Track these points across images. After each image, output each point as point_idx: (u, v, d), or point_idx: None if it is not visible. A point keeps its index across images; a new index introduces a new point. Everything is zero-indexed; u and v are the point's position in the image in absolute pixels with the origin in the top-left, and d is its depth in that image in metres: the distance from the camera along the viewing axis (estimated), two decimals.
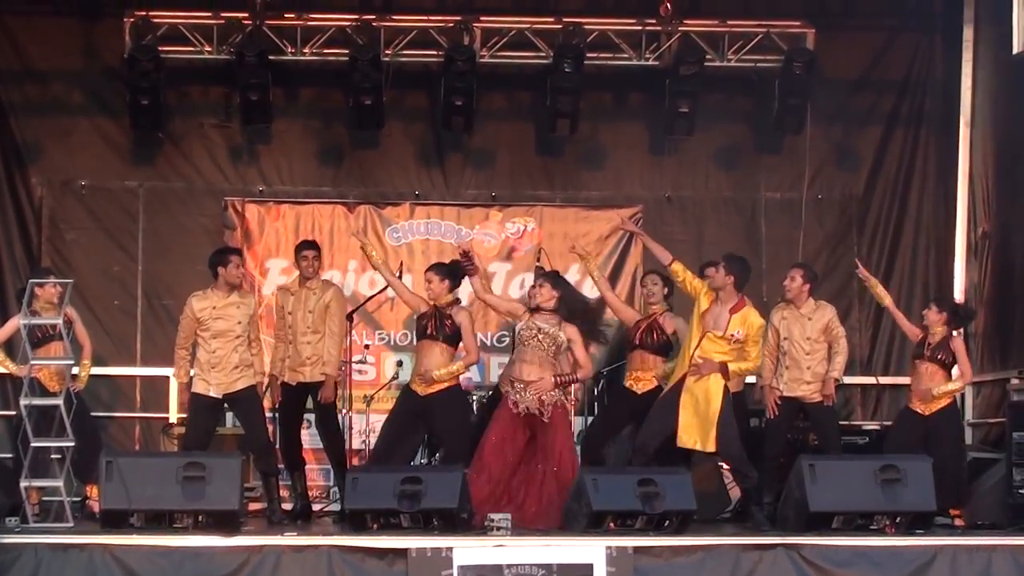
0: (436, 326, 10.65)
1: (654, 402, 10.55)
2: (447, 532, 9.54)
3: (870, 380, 13.55)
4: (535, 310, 10.48)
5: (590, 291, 11.54)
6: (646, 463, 10.25)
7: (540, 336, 10.39)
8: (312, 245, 11.43)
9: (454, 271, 10.79)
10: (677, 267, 10.47)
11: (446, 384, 10.64)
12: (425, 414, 10.70)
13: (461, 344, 10.72)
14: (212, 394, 10.76)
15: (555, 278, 10.68)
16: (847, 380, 13.20)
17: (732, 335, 10.24)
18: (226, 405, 11.03)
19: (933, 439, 10.87)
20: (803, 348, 10.97)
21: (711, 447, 10.24)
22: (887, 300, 11.40)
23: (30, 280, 10.84)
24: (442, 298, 10.71)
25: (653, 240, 11.00)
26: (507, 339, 12.88)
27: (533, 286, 10.72)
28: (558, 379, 10.37)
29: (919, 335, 11.18)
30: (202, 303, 10.81)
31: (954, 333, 11.16)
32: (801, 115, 13.45)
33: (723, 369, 10.22)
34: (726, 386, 10.23)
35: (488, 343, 13.23)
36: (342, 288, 12.15)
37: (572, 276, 12.97)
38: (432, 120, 13.65)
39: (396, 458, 10.68)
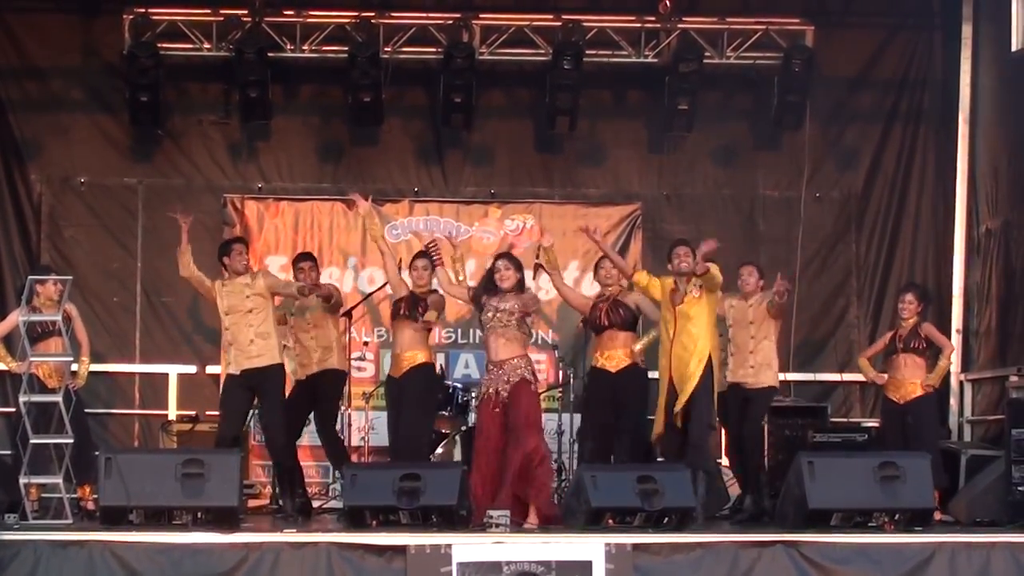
0: (409, 308, 10.90)
1: (630, 379, 10.72)
2: (446, 529, 9.53)
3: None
4: (494, 293, 10.51)
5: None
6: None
7: (498, 315, 10.42)
8: (308, 257, 11.61)
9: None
10: (640, 276, 10.73)
11: (417, 363, 10.91)
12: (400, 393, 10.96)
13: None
14: (231, 371, 10.93)
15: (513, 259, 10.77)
16: (847, 378, 13.29)
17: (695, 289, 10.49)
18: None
19: (911, 426, 11.07)
20: (748, 332, 11.03)
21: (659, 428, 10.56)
22: None
23: (30, 277, 10.85)
24: (422, 285, 10.98)
25: (613, 253, 11.14)
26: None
27: (496, 269, 10.66)
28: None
29: (889, 337, 11.37)
30: (220, 281, 11.04)
31: (923, 323, 11.29)
32: (800, 113, 13.46)
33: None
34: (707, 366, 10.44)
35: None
36: (340, 285, 12.64)
37: (571, 272, 13.04)
38: (431, 117, 13.65)
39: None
